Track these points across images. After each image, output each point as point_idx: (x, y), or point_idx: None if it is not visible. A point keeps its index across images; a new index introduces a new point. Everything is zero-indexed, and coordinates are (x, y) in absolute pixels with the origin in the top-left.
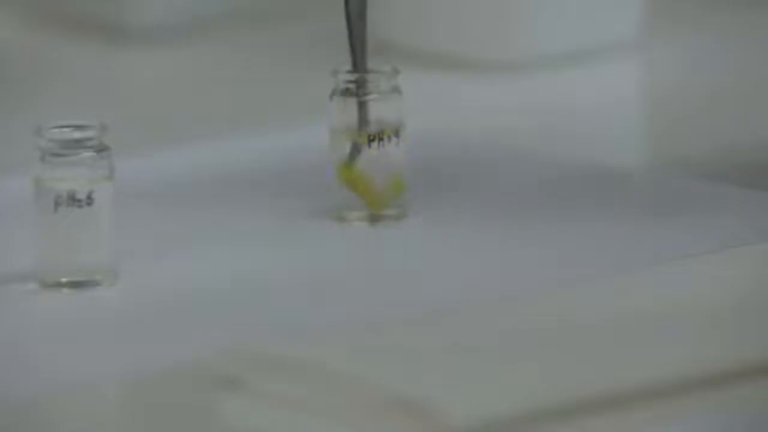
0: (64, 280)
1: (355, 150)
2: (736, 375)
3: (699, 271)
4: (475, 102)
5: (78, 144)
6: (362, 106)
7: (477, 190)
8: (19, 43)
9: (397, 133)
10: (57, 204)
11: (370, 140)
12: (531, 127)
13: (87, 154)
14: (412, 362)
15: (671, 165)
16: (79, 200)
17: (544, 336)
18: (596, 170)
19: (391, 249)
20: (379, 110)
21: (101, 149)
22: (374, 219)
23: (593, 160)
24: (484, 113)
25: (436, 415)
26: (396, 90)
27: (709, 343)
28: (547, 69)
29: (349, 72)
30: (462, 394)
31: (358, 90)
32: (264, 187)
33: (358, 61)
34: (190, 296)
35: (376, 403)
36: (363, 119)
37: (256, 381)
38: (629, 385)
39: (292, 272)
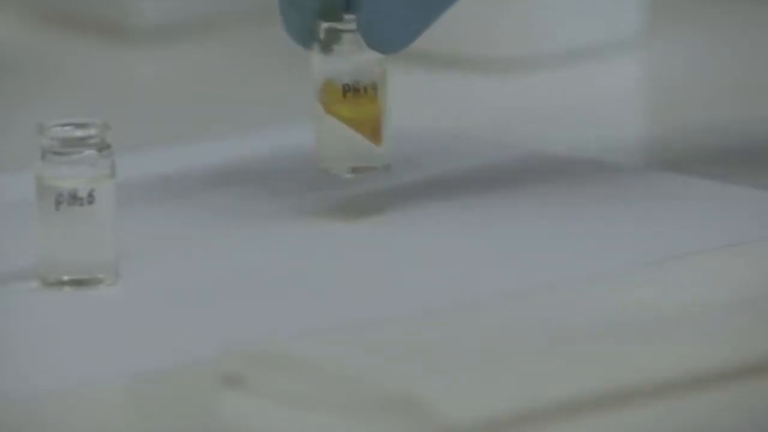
0: (65, 278)
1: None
2: (736, 374)
3: (700, 268)
4: (472, 100)
5: (80, 142)
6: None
7: (473, 189)
8: (20, 42)
9: (374, 88)
10: (58, 202)
11: (345, 91)
12: (529, 125)
13: (89, 152)
14: (412, 361)
15: (671, 163)
16: (81, 199)
17: (544, 334)
18: (596, 168)
19: (388, 247)
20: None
21: (103, 147)
22: (358, 171)
23: (592, 158)
24: (481, 111)
25: (436, 415)
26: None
27: (711, 342)
28: (546, 67)
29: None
30: (462, 393)
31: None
32: (266, 185)
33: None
34: (192, 295)
35: (376, 402)
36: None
37: (257, 379)
38: (629, 384)
39: (293, 270)
